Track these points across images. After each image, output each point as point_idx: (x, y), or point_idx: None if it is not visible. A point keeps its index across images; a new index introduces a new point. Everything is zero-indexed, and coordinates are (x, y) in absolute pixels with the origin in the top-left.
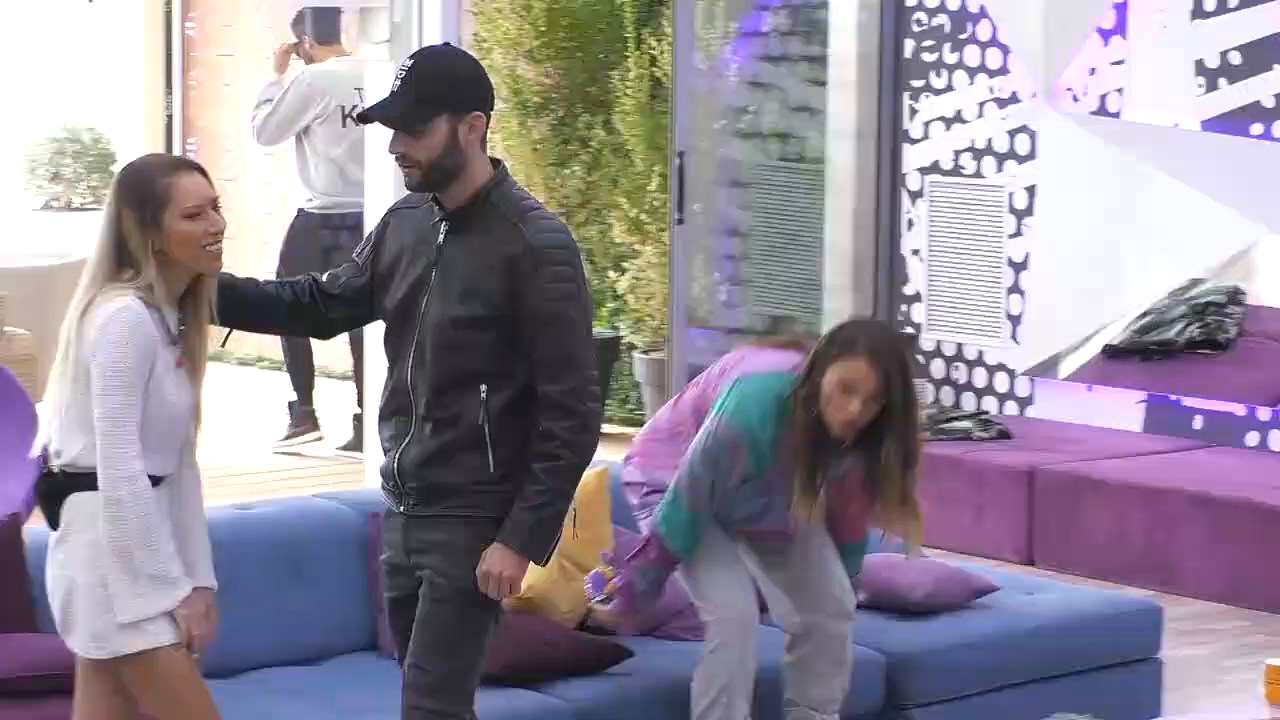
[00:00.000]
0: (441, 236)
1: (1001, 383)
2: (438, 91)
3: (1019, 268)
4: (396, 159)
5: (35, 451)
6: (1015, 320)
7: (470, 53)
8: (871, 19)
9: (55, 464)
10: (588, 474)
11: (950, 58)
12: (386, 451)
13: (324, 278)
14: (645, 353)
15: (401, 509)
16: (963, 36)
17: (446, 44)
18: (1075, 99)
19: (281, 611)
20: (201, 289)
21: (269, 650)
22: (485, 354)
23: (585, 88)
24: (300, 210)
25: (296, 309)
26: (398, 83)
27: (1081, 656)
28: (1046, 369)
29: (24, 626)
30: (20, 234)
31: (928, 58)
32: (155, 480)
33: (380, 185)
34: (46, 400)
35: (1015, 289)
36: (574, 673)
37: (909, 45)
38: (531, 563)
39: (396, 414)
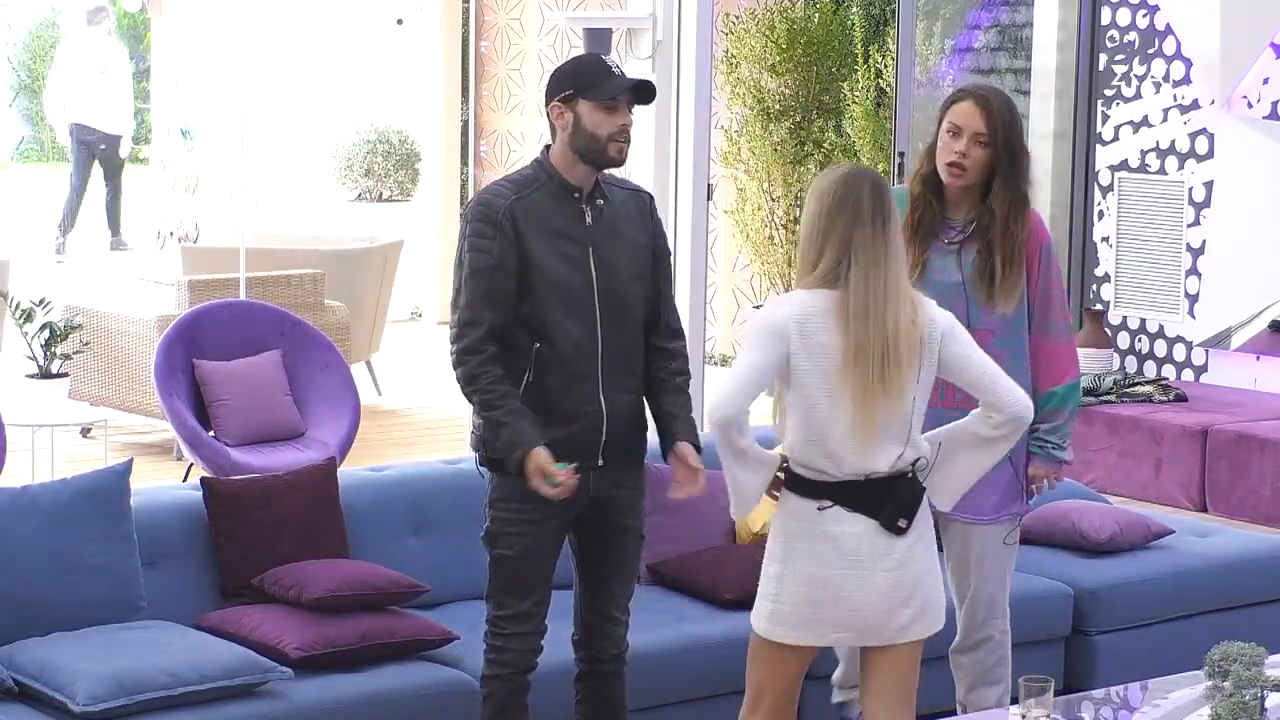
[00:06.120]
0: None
1: (1179, 353)
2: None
3: (1196, 253)
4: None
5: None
6: (1192, 298)
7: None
8: (1070, 37)
9: (909, 468)
10: None
11: (1139, 70)
12: None
13: None
14: None
15: None
16: (1150, 51)
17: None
18: (1249, 105)
19: None
20: None
21: None
22: (644, 302)
23: (819, 96)
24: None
25: None
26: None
27: (1247, 592)
28: (1219, 341)
29: (339, 552)
30: (337, 221)
31: (1119, 70)
32: None
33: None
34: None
35: (1193, 271)
36: None
37: (1103, 59)
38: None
39: None
